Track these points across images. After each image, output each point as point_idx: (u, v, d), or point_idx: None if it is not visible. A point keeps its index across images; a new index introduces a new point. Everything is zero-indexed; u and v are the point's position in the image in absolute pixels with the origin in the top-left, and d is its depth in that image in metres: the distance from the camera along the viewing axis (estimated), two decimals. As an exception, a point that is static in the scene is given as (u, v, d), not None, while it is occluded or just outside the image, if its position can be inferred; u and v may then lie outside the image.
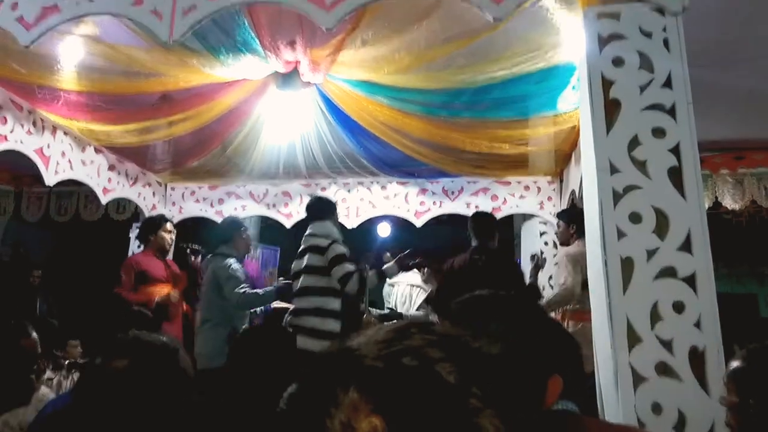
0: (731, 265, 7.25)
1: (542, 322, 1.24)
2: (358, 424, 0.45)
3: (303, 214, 5.16)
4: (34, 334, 1.98)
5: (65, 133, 4.15)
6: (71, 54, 3.17)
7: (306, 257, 3.84)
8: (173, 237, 4.55)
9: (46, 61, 3.16)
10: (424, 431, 0.44)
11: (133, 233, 5.39)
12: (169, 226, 4.51)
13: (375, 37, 2.94)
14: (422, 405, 0.45)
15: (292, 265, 4.00)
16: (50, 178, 4.04)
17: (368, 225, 5.42)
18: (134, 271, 4.22)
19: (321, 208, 4.07)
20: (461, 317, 1.22)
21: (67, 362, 3.95)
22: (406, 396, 0.45)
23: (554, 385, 1.12)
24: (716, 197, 4.42)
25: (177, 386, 1.45)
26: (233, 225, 4.36)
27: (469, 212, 4.97)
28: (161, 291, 4.21)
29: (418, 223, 5.07)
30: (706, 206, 4.21)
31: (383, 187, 5.18)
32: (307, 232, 3.98)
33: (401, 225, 5.53)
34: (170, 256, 4.68)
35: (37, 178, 4.08)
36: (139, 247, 4.68)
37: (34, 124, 3.86)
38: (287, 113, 3.94)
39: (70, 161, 4.22)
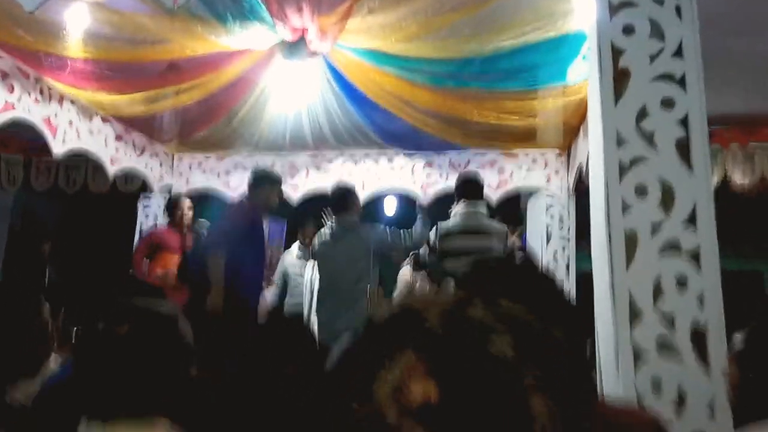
0: (738, 242, 7.16)
1: (550, 288, 1.21)
2: (412, 384, 0.44)
3: (309, 187, 5.20)
4: (46, 306, 2.01)
5: (72, 102, 4.14)
6: (77, 21, 3.14)
7: (488, 239, 3.74)
8: (188, 214, 4.76)
9: (51, 28, 3.14)
10: (476, 403, 0.43)
11: (142, 203, 5.44)
12: (184, 203, 4.80)
13: (382, 4, 2.90)
14: (477, 377, 0.44)
15: (450, 242, 3.79)
16: (58, 148, 4.04)
17: (374, 196, 5.40)
18: (151, 241, 4.73)
19: (479, 188, 4.00)
20: (469, 283, 1.20)
21: (75, 332, 4.00)
22: (462, 365, 0.45)
23: None
24: (726, 172, 4.33)
25: (177, 353, 1.46)
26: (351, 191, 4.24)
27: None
28: (173, 259, 4.56)
29: (425, 196, 5.04)
30: (715, 181, 4.13)
31: (389, 160, 5.14)
32: (475, 210, 3.84)
33: (408, 200, 5.50)
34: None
35: (46, 147, 4.09)
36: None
37: (41, 92, 3.85)
38: (294, 83, 3.90)
39: (77, 130, 4.22)
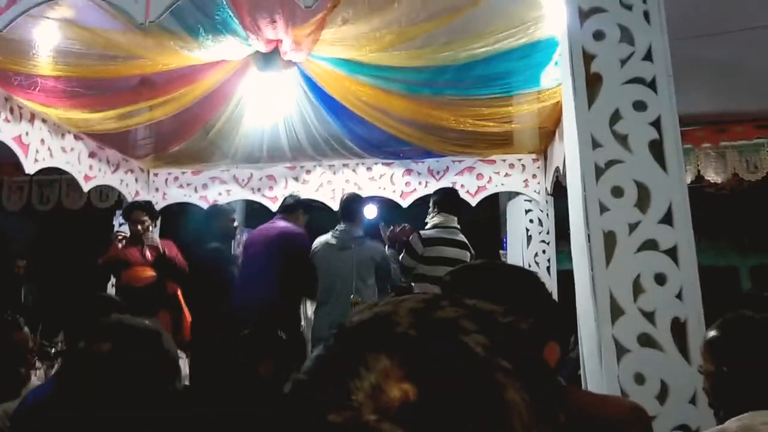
0: (713, 238, 7.33)
1: (537, 288, 1.23)
2: (389, 388, 0.44)
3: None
4: (26, 328, 1.99)
5: (44, 121, 4.08)
6: (47, 38, 3.10)
7: (464, 253, 3.99)
8: (143, 227, 4.48)
9: (21, 46, 3.10)
10: (453, 401, 0.44)
11: (117, 220, 5.36)
12: (135, 215, 4.51)
13: (356, 15, 2.92)
14: (452, 375, 0.45)
15: (435, 251, 3.99)
16: (30, 167, 3.98)
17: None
18: (113, 260, 4.46)
19: (459, 204, 4.34)
20: (455, 288, 1.21)
21: (53, 351, 3.93)
22: (436, 366, 0.45)
23: (551, 351, 1.12)
24: (699, 171, 4.45)
25: (161, 369, 1.45)
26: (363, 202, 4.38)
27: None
28: (140, 274, 4.35)
29: (405, 203, 5.07)
30: (689, 180, 4.25)
31: (368, 169, 5.15)
32: (452, 225, 4.12)
33: (388, 206, 5.52)
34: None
35: (18, 166, 4.02)
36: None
37: (11, 111, 3.79)
38: (269, 95, 3.90)
39: (49, 149, 4.16)
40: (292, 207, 4.39)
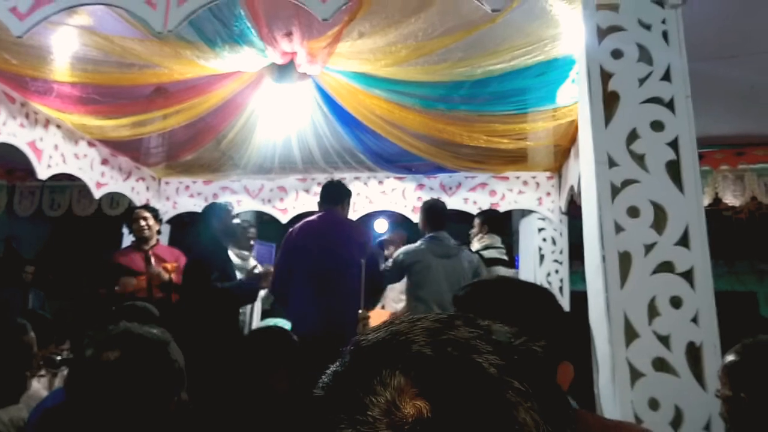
0: (731, 262, 7.23)
1: (551, 305, 1.20)
2: (403, 405, 0.46)
3: (298, 210, 5.17)
4: (32, 333, 1.99)
5: (58, 126, 4.11)
6: (64, 45, 3.13)
7: (512, 271, 4.22)
8: (147, 224, 4.29)
9: (39, 52, 3.13)
10: (465, 419, 0.45)
11: (126, 228, 5.36)
12: (137, 213, 4.35)
13: (372, 28, 2.92)
14: (464, 394, 0.46)
15: (492, 270, 4.15)
16: (43, 172, 4.00)
17: (365, 220, 5.38)
18: (110, 266, 4.18)
19: (503, 225, 4.62)
20: (469, 303, 1.19)
21: (59, 358, 3.91)
22: (449, 384, 0.47)
23: (564, 372, 1.10)
24: (716, 193, 4.41)
25: (168, 379, 1.44)
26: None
27: (468, 208, 4.94)
28: (131, 282, 4.08)
29: (416, 218, 5.04)
30: (707, 203, 4.20)
31: (380, 182, 5.15)
32: (501, 245, 4.36)
33: (398, 220, 5.50)
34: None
35: (30, 172, 4.04)
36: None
37: (27, 116, 3.82)
38: (283, 106, 3.90)
39: (63, 155, 4.18)
40: (341, 196, 3.87)
